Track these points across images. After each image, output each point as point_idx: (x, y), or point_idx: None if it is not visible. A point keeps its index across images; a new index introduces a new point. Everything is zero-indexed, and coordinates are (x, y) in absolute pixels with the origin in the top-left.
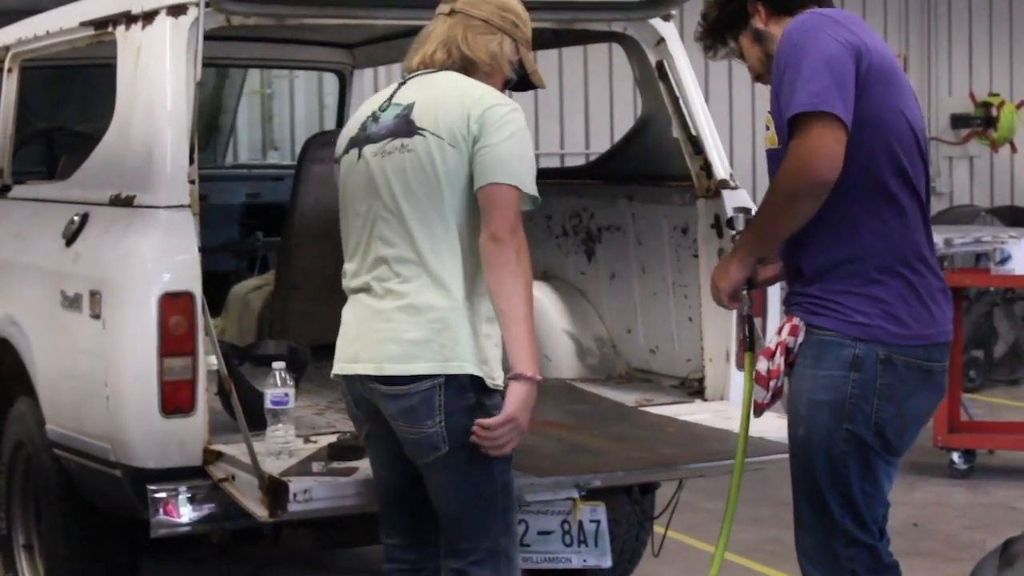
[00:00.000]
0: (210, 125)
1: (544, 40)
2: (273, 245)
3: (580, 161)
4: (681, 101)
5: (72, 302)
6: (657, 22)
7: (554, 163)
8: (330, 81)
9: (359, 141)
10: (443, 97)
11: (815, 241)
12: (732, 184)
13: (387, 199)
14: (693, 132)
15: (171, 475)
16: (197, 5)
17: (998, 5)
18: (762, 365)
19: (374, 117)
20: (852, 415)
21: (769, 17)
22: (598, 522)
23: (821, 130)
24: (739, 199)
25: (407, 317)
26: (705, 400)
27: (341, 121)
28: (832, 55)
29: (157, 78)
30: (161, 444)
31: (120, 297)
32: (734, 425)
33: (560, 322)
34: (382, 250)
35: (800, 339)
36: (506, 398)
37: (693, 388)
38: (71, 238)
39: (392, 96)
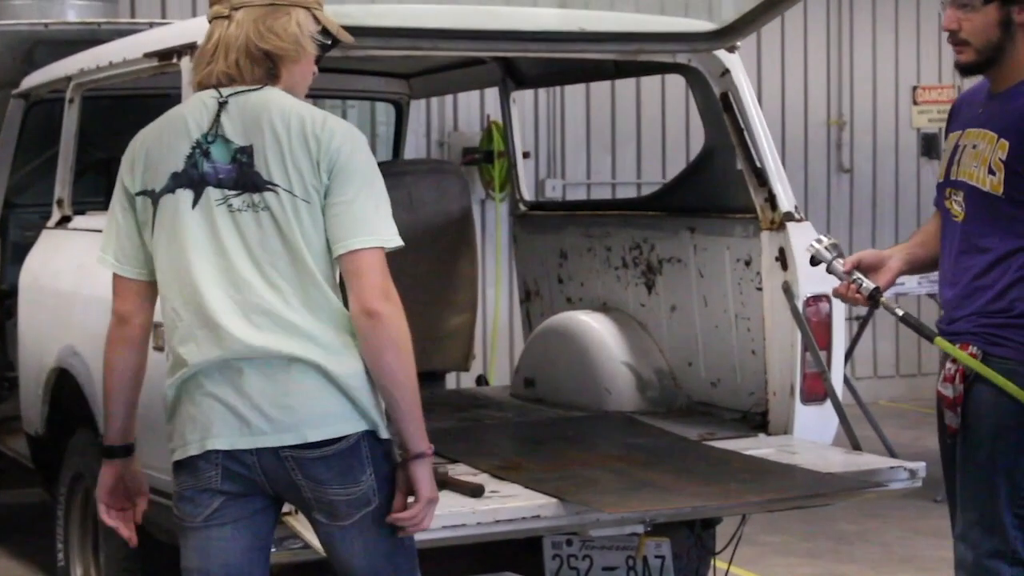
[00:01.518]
0: None
1: (607, 72)
2: None
3: (632, 191)
4: (745, 132)
5: None
6: (722, 53)
7: (606, 193)
8: (382, 110)
9: (192, 181)
10: (285, 140)
11: (1001, 281)
12: (797, 216)
13: (251, 264)
14: (758, 164)
15: None
16: None
17: None
18: (948, 390)
19: (202, 150)
20: None
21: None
22: (663, 558)
23: None
24: (804, 231)
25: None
26: (768, 434)
27: (396, 151)
28: None
29: None
30: None
31: None
32: (799, 459)
33: (620, 354)
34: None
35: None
36: (417, 478)
37: (756, 422)
38: None
39: (216, 125)
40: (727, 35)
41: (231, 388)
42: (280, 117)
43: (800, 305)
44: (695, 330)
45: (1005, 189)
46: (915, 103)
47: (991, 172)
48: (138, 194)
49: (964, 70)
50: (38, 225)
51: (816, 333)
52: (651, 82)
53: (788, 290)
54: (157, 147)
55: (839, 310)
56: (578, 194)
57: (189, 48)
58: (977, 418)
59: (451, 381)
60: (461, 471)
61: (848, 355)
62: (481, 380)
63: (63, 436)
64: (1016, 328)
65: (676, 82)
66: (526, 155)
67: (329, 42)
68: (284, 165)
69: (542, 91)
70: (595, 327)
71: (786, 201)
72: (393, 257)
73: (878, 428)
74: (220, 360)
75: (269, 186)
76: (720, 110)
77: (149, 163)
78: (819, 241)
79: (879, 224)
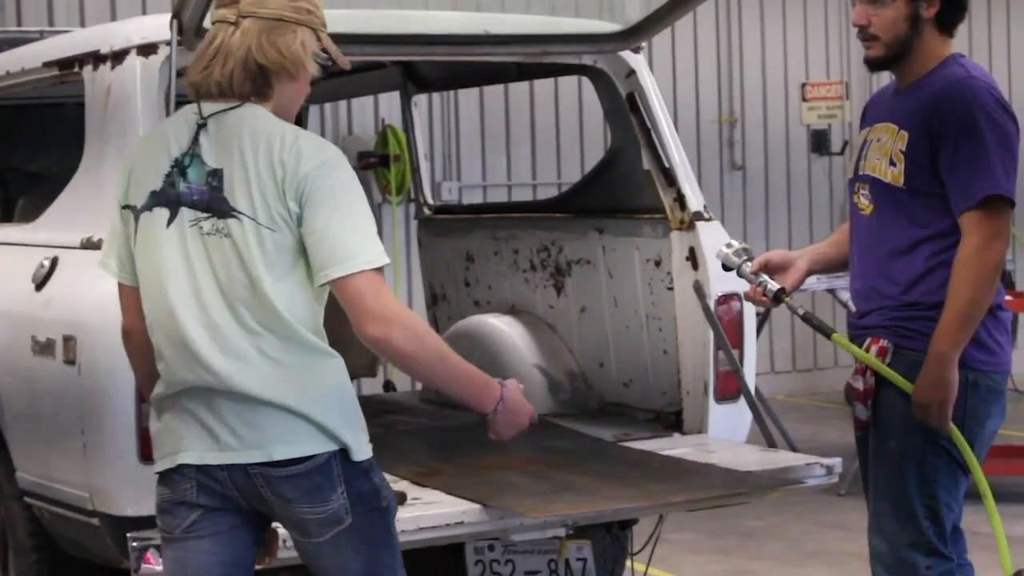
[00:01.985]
0: None
1: (510, 74)
2: None
3: (528, 193)
4: (653, 133)
5: (44, 348)
6: (627, 54)
7: (502, 195)
8: None
9: (168, 200)
10: (252, 164)
11: (908, 272)
12: (706, 216)
13: (217, 289)
14: (666, 164)
15: (151, 522)
16: (168, 44)
17: None
18: (858, 382)
19: (180, 169)
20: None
21: (933, 19)
22: (584, 560)
23: (1006, 214)
24: (714, 231)
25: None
26: (683, 434)
27: None
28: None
29: (128, 119)
30: (141, 491)
31: (96, 342)
32: (716, 458)
33: (530, 357)
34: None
35: (888, 360)
36: (499, 430)
37: (670, 422)
38: (41, 282)
39: (194, 145)
40: (632, 36)
41: (204, 405)
42: (251, 140)
43: (712, 304)
44: (606, 331)
45: (905, 180)
46: (804, 99)
47: (892, 163)
48: (124, 208)
49: (873, 65)
50: None
51: (728, 331)
52: (545, 84)
53: (699, 289)
54: (142, 162)
55: (750, 308)
56: (474, 196)
57: (92, 57)
58: (887, 409)
59: (359, 387)
60: None
61: None
62: (389, 386)
63: None
64: (925, 320)
65: (570, 83)
66: None
67: (329, 64)
68: (250, 191)
69: (436, 94)
70: (504, 330)
71: (695, 201)
72: None
73: (780, 424)
74: (191, 384)
75: (233, 213)
76: (627, 111)
77: (133, 178)
78: (728, 246)
79: (772, 220)
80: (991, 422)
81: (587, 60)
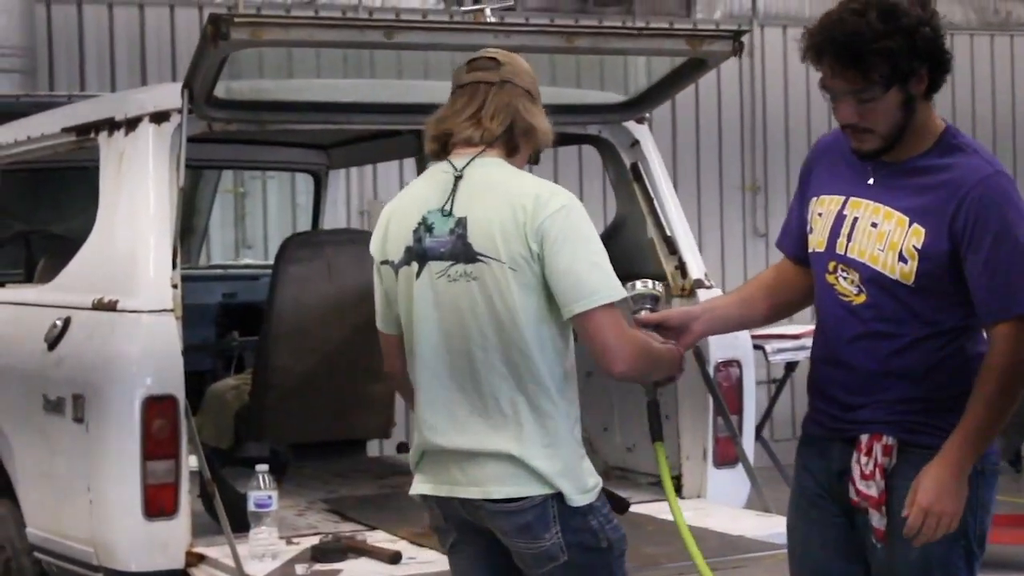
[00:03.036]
0: (185, 225)
1: None
2: (250, 345)
3: None
4: (655, 202)
5: (55, 406)
6: (631, 124)
7: None
8: (302, 180)
9: (418, 255)
10: (495, 211)
11: (913, 366)
12: (707, 283)
13: (463, 334)
14: (668, 232)
15: None
16: (180, 112)
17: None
18: (871, 490)
19: (427, 226)
20: (966, 531)
21: (924, 93)
22: None
23: None
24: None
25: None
26: (683, 498)
27: (316, 221)
28: None
29: (140, 184)
30: (144, 547)
31: (104, 401)
32: (714, 523)
33: None
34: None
35: (892, 460)
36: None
37: None
38: (53, 342)
39: (451, 199)
40: (635, 107)
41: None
42: (494, 187)
43: (711, 370)
44: (610, 396)
45: (916, 278)
46: None
47: (902, 259)
48: (382, 263)
49: (867, 157)
50: None
51: (727, 398)
52: (569, 152)
53: (699, 355)
54: (397, 221)
55: (750, 375)
56: None
57: (108, 123)
58: (901, 515)
59: (374, 448)
60: (380, 538)
61: (766, 417)
62: (402, 447)
63: None
64: (938, 413)
65: (594, 152)
66: None
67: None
68: (492, 235)
69: None
70: None
71: (696, 268)
72: (313, 327)
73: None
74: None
75: (479, 257)
76: (631, 180)
77: (389, 235)
78: (633, 287)
79: None
80: (993, 506)
81: (592, 130)
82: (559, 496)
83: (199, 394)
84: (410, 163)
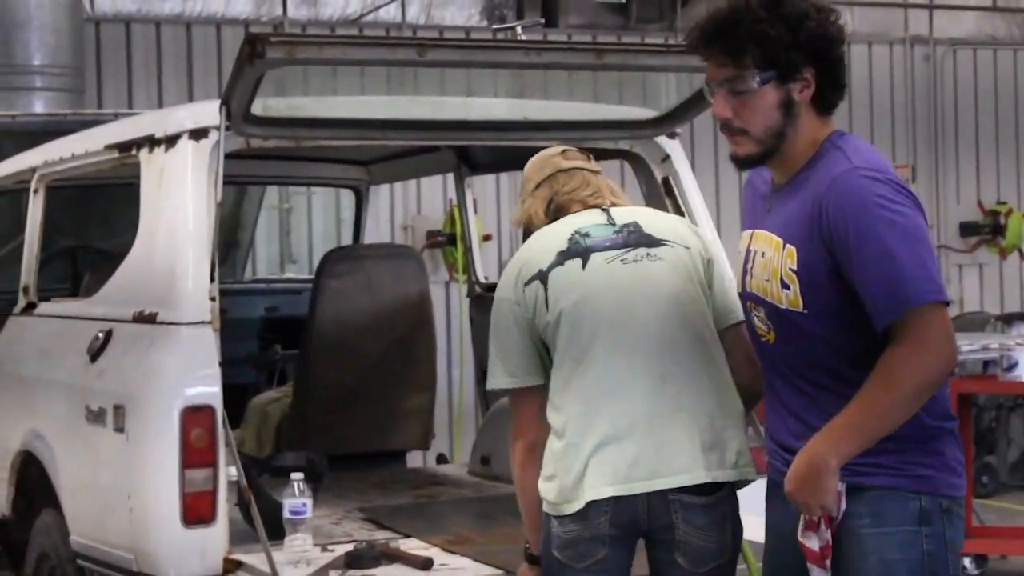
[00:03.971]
0: (230, 240)
1: None
2: (291, 358)
3: None
4: (687, 215)
5: (96, 416)
6: (663, 139)
7: None
8: (346, 195)
9: (578, 252)
10: (667, 219)
11: (843, 405)
12: None
13: (652, 308)
14: None
15: None
16: (218, 129)
17: (1004, 114)
18: (812, 543)
19: (582, 234)
20: (933, 571)
21: (810, 102)
22: None
23: (945, 316)
24: None
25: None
26: None
27: (357, 236)
28: (926, 233)
29: (179, 199)
30: (182, 554)
31: (143, 411)
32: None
33: None
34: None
35: (842, 505)
36: None
37: None
38: (95, 354)
39: (607, 217)
40: (667, 122)
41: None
42: (650, 211)
43: None
44: None
45: (806, 303)
46: None
47: (784, 286)
48: (526, 284)
49: (742, 164)
50: (5, 311)
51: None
52: (611, 165)
53: None
54: (531, 255)
55: None
56: None
57: (148, 140)
58: (857, 562)
59: (416, 460)
60: (413, 545)
61: None
62: (441, 459)
63: (29, 517)
64: (886, 453)
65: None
66: (487, 238)
67: None
68: (675, 229)
69: (504, 174)
70: None
71: None
72: (353, 340)
73: None
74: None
75: (663, 242)
76: (662, 194)
77: (527, 266)
78: None
79: None
80: (960, 539)
81: (624, 145)
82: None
83: (242, 406)
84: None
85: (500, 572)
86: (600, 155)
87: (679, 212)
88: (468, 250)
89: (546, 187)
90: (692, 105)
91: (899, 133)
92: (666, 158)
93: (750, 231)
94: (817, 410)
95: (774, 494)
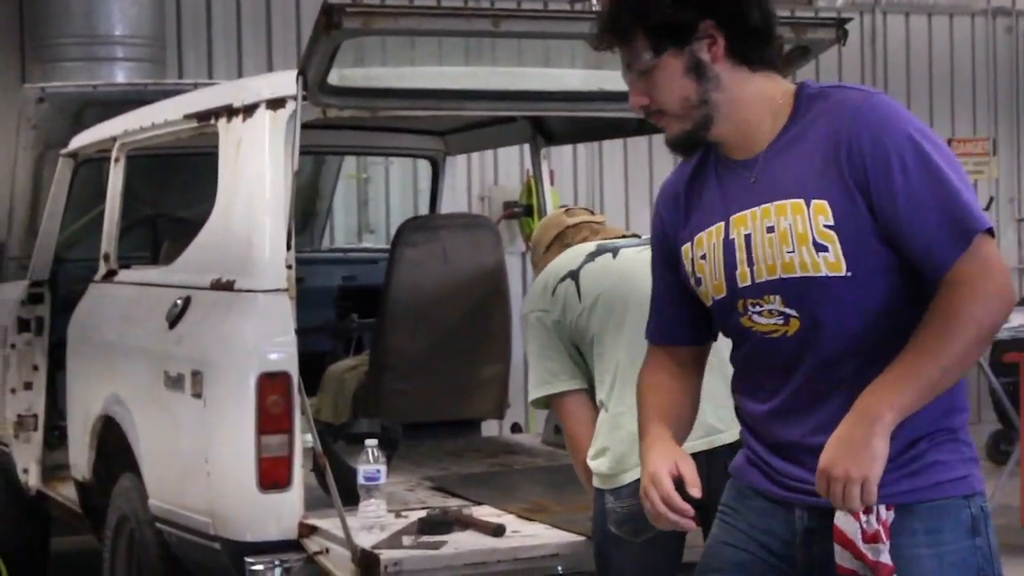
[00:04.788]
0: (307, 210)
1: (630, 128)
2: (368, 327)
3: None
4: None
5: (175, 382)
6: None
7: None
8: (423, 166)
9: (607, 249)
10: None
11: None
12: None
13: None
14: None
15: (268, 548)
16: (295, 99)
17: None
18: (885, 555)
19: (607, 246)
20: None
21: (726, 57)
22: None
23: (993, 245)
24: None
25: None
26: None
27: (433, 206)
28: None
29: (257, 168)
30: (259, 518)
31: (220, 377)
32: None
33: None
34: None
35: (892, 514)
36: None
37: None
38: (174, 321)
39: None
40: None
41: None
42: None
43: None
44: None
45: (849, 264)
46: None
47: (820, 248)
48: (557, 284)
49: (678, 146)
50: (86, 279)
51: None
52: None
53: None
54: (558, 267)
55: None
56: None
57: (226, 110)
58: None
59: (491, 428)
60: (486, 512)
61: None
62: (516, 428)
63: (109, 481)
64: (938, 447)
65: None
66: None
67: None
68: None
69: (581, 146)
70: None
71: None
72: (428, 309)
73: None
74: None
75: None
76: None
77: (554, 274)
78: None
79: None
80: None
81: None
82: None
83: (318, 374)
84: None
85: (574, 538)
86: None
87: None
88: None
89: (557, 245)
90: None
91: (980, 105)
92: None
93: (722, 221)
94: (828, 410)
95: (735, 510)
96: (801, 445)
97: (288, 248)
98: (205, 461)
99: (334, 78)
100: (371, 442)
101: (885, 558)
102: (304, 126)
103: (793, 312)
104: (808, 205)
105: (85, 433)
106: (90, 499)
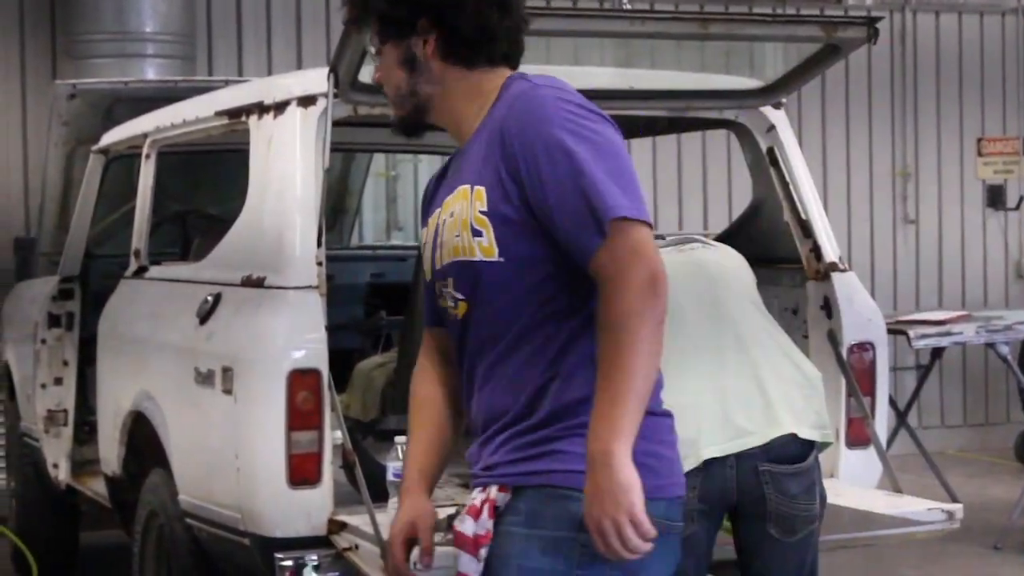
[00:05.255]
0: (337, 207)
1: (660, 127)
2: (396, 324)
3: None
4: (791, 186)
5: (205, 378)
6: (768, 110)
7: None
8: None
9: None
10: None
11: (523, 381)
12: (841, 267)
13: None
14: (803, 216)
15: (297, 544)
16: (326, 96)
17: None
18: (467, 526)
19: None
20: None
21: (441, 55)
22: None
23: (650, 236)
24: (848, 281)
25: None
26: None
27: None
28: (622, 147)
29: (287, 165)
30: (288, 514)
31: (251, 374)
32: (842, 501)
33: None
34: None
35: (507, 496)
36: None
37: None
38: (204, 317)
39: None
40: (772, 92)
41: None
42: None
43: (844, 352)
44: None
45: (501, 249)
46: (980, 154)
47: (476, 233)
48: None
49: (400, 128)
50: (117, 274)
51: (860, 379)
52: (717, 135)
53: (833, 337)
54: None
55: (883, 358)
56: None
57: (257, 107)
58: (502, 561)
59: None
60: None
61: (911, 404)
62: None
63: (139, 476)
64: (558, 440)
65: (718, 140)
66: None
67: None
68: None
69: None
70: None
71: (831, 251)
72: None
73: (940, 474)
74: None
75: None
76: (767, 164)
77: None
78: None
79: (945, 274)
80: (651, 570)
81: (729, 115)
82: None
83: (347, 371)
84: None
85: None
86: (706, 125)
87: (783, 182)
88: None
89: None
90: (798, 75)
91: (1010, 104)
92: (771, 128)
93: (438, 209)
94: (485, 381)
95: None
96: (477, 426)
97: (319, 245)
98: (235, 457)
99: (365, 75)
100: (400, 439)
101: (465, 527)
102: (335, 123)
103: (460, 295)
104: (472, 191)
105: (115, 428)
106: (120, 494)
